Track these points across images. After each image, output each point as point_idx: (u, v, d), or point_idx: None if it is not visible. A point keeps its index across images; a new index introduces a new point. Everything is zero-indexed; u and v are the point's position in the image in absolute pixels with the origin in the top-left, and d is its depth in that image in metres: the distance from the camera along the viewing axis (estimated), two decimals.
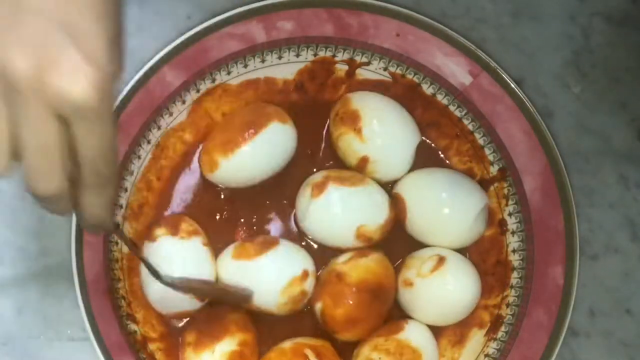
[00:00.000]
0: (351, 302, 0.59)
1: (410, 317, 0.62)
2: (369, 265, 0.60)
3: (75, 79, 0.35)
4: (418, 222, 0.62)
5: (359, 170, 0.62)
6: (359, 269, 0.60)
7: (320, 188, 0.60)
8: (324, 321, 0.60)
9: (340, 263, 0.60)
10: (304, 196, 0.61)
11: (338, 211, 0.60)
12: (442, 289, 0.60)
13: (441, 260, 0.60)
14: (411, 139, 0.62)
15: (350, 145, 0.61)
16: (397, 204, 0.62)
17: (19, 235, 0.62)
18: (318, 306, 0.60)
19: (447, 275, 0.60)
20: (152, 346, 0.61)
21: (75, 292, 0.59)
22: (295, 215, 0.63)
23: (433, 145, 0.64)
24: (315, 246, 0.63)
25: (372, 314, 0.60)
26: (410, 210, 0.61)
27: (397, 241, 0.63)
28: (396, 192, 0.62)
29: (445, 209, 0.61)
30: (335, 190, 0.60)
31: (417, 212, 0.61)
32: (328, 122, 0.64)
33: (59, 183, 0.38)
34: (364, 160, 0.61)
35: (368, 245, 0.61)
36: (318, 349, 0.59)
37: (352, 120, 0.61)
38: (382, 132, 0.61)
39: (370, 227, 0.60)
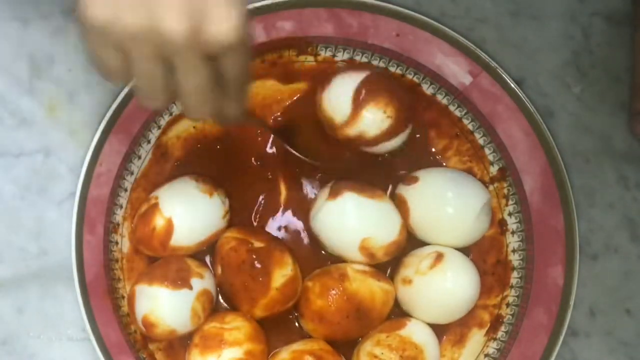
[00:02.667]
0: (333, 301, 0.59)
1: (410, 317, 0.62)
2: (373, 288, 0.60)
3: (227, 24, 0.41)
4: (422, 222, 0.62)
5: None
6: (363, 283, 0.60)
7: (336, 192, 0.60)
8: (300, 298, 0.61)
9: (352, 268, 0.60)
10: (321, 197, 0.61)
11: (348, 218, 0.60)
12: (442, 285, 0.60)
13: (439, 257, 0.60)
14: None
15: None
16: (399, 206, 0.62)
17: (19, 235, 0.62)
18: (306, 284, 0.61)
19: (446, 271, 0.60)
20: (152, 346, 0.61)
21: (75, 292, 0.59)
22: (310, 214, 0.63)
23: (430, 145, 0.64)
24: (323, 252, 0.63)
25: (343, 325, 0.60)
26: (413, 211, 0.61)
27: None
28: (399, 193, 0.62)
29: (449, 208, 0.61)
30: (350, 197, 0.60)
31: (421, 212, 0.61)
32: None
33: (216, 106, 0.46)
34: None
35: (370, 262, 0.61)
36: (317, 352, 0.59)
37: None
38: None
39: (375, 242, 0.60)
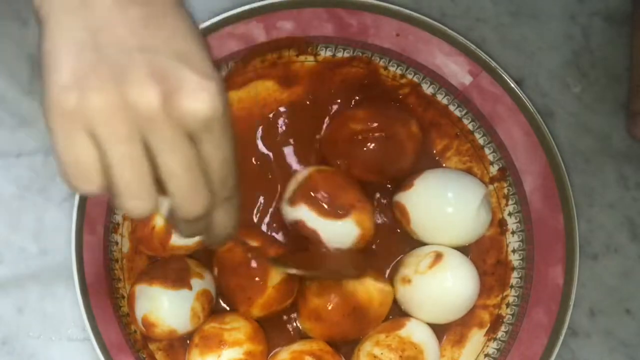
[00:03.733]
0: (330, 300, 0.59)
1: (410, 316, 0.62)
2: (371, 289, 0.60)
3: (200, 95, 0.38)
4: (423, 225, 0.61)
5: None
6: (361, 284, 0.60)
7: (293, 201, 0.60)
8: (297, 297, 0.61)
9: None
10: (286, 199, 0.61)
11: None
12: (441, 284, 0.60)
13: (439, 256, 0.60)
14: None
15: None
16: (398, 211, 0.62)
17: (19, 235, 0.62)
18: (304, 283, 0.61)
19: (446, 270, 0.60)
20: (152, 346, 0.61)
21: (75, 292, 0.59)
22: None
23: (430, 146, 0.64)
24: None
25: (340, 325, 0.60)
26: (413, 216, 0.61)
27: (396, 240, 0.63)
28: (397, 201, 0.62)
29: (448, 207, 0.60)
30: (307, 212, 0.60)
31: (421, 216, 0.61)
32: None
33: (208, 198, 0.40)
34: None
35: None
36: (316, 353, 0.59)
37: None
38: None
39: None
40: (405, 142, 0.61)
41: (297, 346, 0.60)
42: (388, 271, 0.63)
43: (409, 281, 0.61)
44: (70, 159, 0.38)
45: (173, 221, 0.42)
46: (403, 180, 0.62)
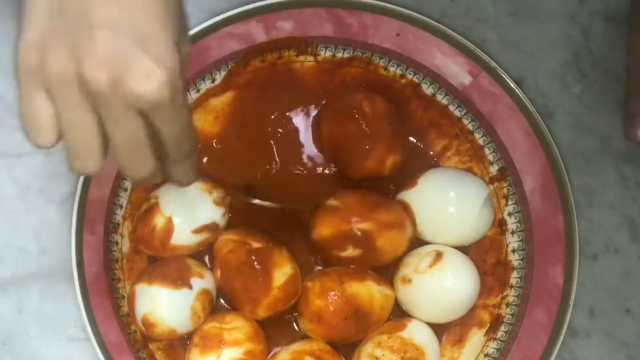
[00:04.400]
0: (332, 302, 0.59)
1: (410, 316, 0.62)
2: (373, 292, 0.60)
3: (148, 82, 0.39)
4: (427, 224, 0.61)
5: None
6: (363, 286, 0.60)
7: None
8: (300, 298, 0.60)
9: (353, 269, 0.60)
10: None
11: None
12: (441, 284, 0.60)
13: (439, 255, 0.60)
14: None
15: None
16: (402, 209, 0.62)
17: (19, 235, 0.62)
18: (306, 284, 0.61)
19: (446, 270, 0.60)
20: (152, 346, 0.61)
21: (75, 292, 0.59)
22: None
23: (422, 147, 0.64)
24: None
25: (341, 327, 0.59)
26: (417, 214, 0.61)
27: None
28: (401, 200, 0.62)
29: (451, 207, 0.61)
30: None
31: (425, 215, 0.61)
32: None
33: (152, 165, 0.44)
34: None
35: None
36: (317, 353, 0.59)
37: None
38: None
39: None
40: (370, 118, 0.61)
41: (297, 346, 0.60)
42: (389, 273, 0.63)
43: (409, 280, 0.61)
44: (27, 112, 0.42)
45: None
46: (406, 179, 0.62)
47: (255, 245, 0.59)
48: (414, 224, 0.62)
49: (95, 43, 0.39)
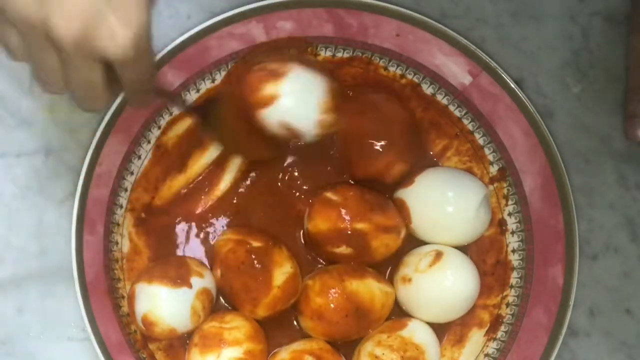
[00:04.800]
0: (332, 300, 0.59)
1: (411, 316, 0.62)
2: (373, 289, 0.60)
3: (113, 41, 0.41)
4: (424, 223, 0.62)
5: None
6: (363, 284, 0.60)
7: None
8: (300, 296, 0.60)
9: (353, 267, 0.61)
10: None
11: None
12: (441, 283, 0.60)
13: (439, 255, 0.60)
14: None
15: None
16: (399, 207, 0.62)
17: (19, 235, 0.62)
18: (307, 282, 0.61)
19: (446, 269, 0.60)
20: (152, 346, 0.61)
21: (75, 292, 0.59)
22: None
23: (429, 146, 0.64)
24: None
25: (341, 325, 0.60)
26: (413, 213, 0.61)
27: None
28: (398, 198, 0.62)
29: (449, 206, 0.61)
30: None
31: (421, 214, 0.61)
32: None
33: (105, 103, 0.46)
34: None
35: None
36: (316, 352, 0.59)
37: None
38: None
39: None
40: (391, 121, 0.61)
41: (297, 345, 0.60)
42: (388, 271, 0.63)
43: (409, 280, 0.61)
44: (2, 39, 0.44)
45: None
46: (403, 178, 0.62)
47: (255, 244, 0.59)
48: (409, 222, 0.62)
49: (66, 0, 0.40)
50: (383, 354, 0.59)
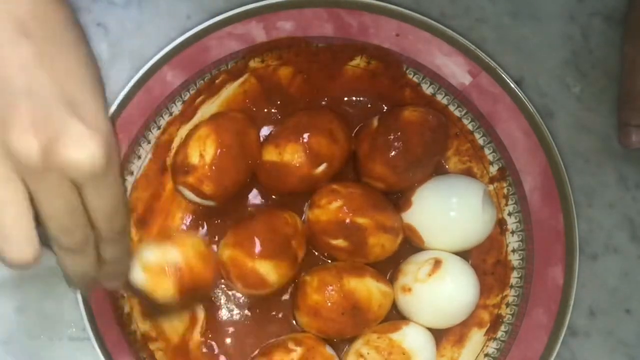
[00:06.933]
0: (329, 297, 0.59)
1: (410, 321, 0.62)
2: (371, 288, 0.60)
3: (82, 148, 0.37)
4: (436, 238, 0.61)
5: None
6: (361, 282, 0.60)
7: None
8: (297, 291, 0.61)
9: (352, 265, 0.61)
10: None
11: None
12: (442, 292, 0.60)
13: (437, 263, 0.60)
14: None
15: None
16: (409, 232, 0.62)
17: None
18: (304, 278, 0.61)
19: (445, 277, 0.60)
20: (152, 346, 0.61)
21: (75, 292, 0.59)
22: None
23: None
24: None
25: (337, 322, 0.59)
26: (424, 234, 0.61)
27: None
28: (405, 222, 0.62)
29: (452, 212, 0.60)
30: None
31: (431, 231, 0.61)
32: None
33: (84, 235, 0.41)
34: None
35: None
36: (299, 337, 0.60)
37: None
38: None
39: None
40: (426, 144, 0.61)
41: (285, 336, 0.61)
42: (388, 276, 0.63)
43: (409, 290, 0.60)
44: None
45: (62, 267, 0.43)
46: (398, 199, 0.62)
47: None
48: (422, 243, 0.61)
49: (21, 113, 0.37)
50: (368, 353, 0.59)
